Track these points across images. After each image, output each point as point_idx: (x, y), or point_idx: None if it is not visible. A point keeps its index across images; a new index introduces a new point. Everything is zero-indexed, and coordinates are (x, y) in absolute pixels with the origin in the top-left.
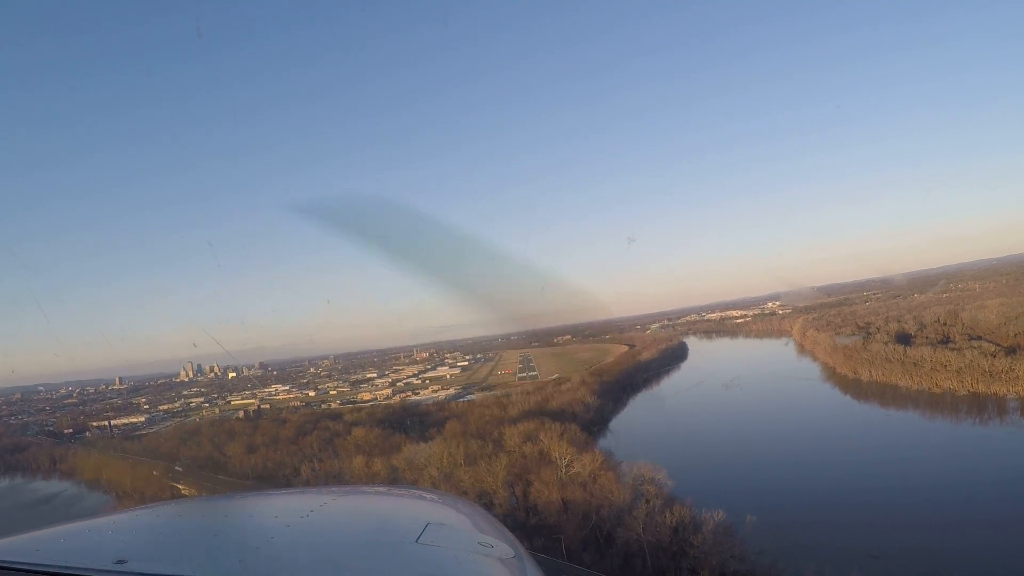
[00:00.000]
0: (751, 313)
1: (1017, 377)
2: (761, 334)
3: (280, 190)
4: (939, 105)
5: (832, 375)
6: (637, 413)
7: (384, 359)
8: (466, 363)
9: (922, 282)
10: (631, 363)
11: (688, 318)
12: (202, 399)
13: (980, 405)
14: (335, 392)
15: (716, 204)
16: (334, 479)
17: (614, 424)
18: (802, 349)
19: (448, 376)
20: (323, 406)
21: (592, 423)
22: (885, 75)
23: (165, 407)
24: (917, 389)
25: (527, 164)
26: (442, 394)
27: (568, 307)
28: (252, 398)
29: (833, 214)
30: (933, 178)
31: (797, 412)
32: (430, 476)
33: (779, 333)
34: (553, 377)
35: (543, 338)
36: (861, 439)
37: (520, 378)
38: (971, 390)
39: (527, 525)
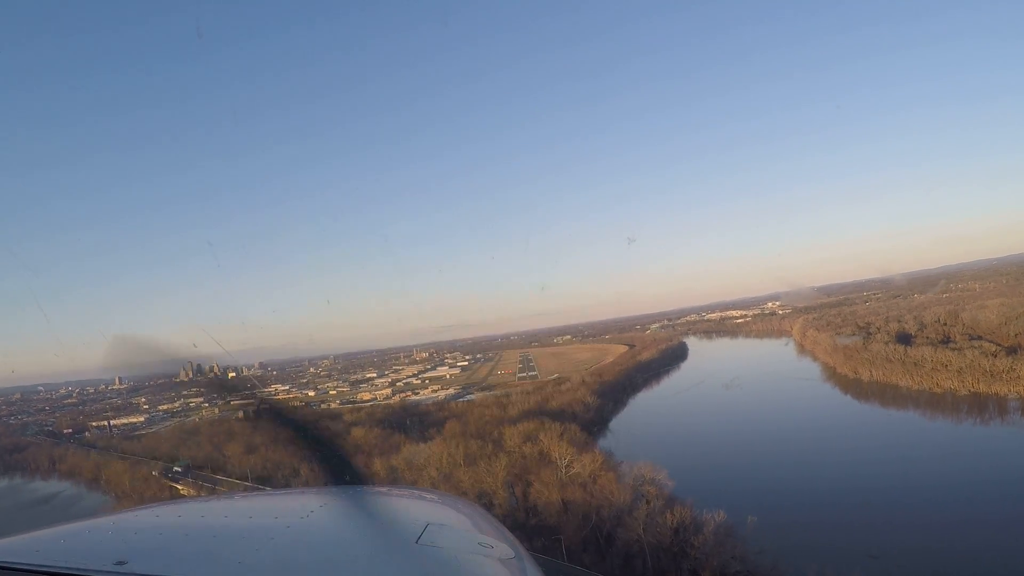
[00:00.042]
0: (751, 313)
1: (1018, 377)
2: (761, 334)
3: (280, 190)
4: (939, 105)
5: (832, 375)
6: (637, 413)
7: (384, 359)
8: (466, 363)
9: (922, 282)
10: (631, 363)
11: (688, 318)
12: (202, 399)
13: (981, 405)
14: (335, 392)
15: (716, 204)
16: (331, 480)
17: (614, 424)
18: (802, 349)
19: (448, 376)
20: (323, 406)
21: (592, 423)
22: (885, 75)
23: (165, 407)
24: (918, 389)
25: (527, 164)
26: (442, 394)
27: (568, 307)
28: (252, 398)
29: (833, 214)
30: (933, 178)
31: (797, 412)
32: (429, 476)
33: (779, 333)
34: (553, 377)
35: (543, 338)
36: (861, 439)
37: (520, 378)
38: (972, 390)
39: (527, 526)
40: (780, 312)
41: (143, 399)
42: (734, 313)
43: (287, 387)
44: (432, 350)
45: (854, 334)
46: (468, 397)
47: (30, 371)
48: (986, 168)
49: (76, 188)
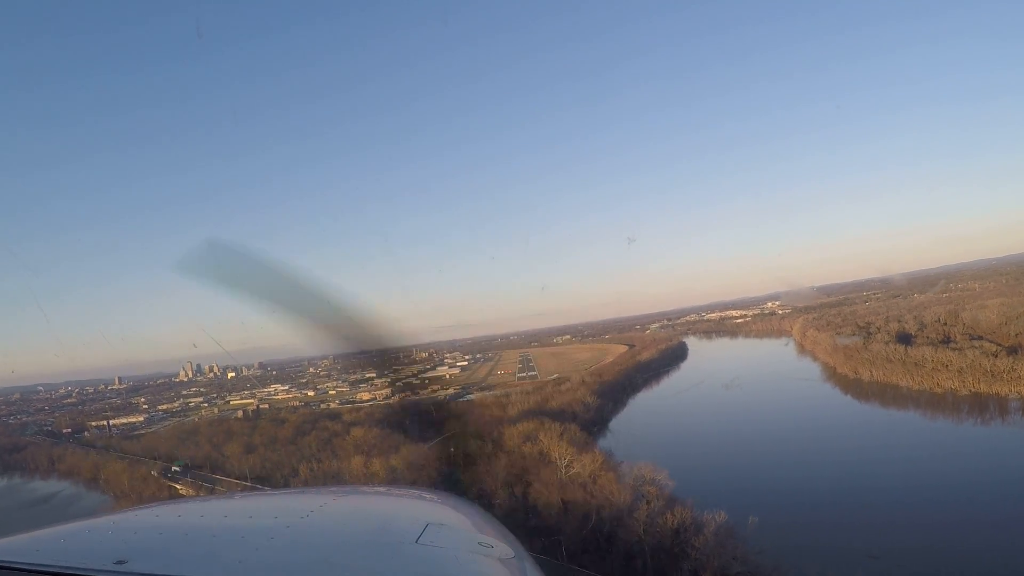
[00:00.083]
0: (751, 313)
1: (1019, 377)
2: (761, 334)
3: (280, 190)
4: (939, 105)
5: (833, 375)
6: (637, 413)
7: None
8: (465, 363)
9: (922, 282)
10: (631, 363)
11: (688, 318)
12: (201, 399)
13: (982, 405)
14: (334, 392)
15: (716, 204)
16: (332, 479)
17: (614, 424)
18: (802, 349)
19: (447, 376)
20: (322, 406)
21: (592, 423)
22: (885, 75)
23: (164, 407)
24: (918, 389)
25: (527, 164)
26: (442, 394)
27: (568, 307)
28: (251, 398)
29: (833, 214)
30: (933, 178)
31: (798, 412)
32: (429, 477)
33: (779, 333)
34: (553, 377)
35: (543, 338)
36: (862, 439)
37: (519, 378)
38: (973, 390)
39: (526, 526)
40: (780, 312)
41: (142, 399)
42: (734, 313)
43: (287, 387)
44: (432, 350)
45: (854, 334)
46: (468, 397)
47: (30, 371)
48: (986, 168)
49: (76, 188)
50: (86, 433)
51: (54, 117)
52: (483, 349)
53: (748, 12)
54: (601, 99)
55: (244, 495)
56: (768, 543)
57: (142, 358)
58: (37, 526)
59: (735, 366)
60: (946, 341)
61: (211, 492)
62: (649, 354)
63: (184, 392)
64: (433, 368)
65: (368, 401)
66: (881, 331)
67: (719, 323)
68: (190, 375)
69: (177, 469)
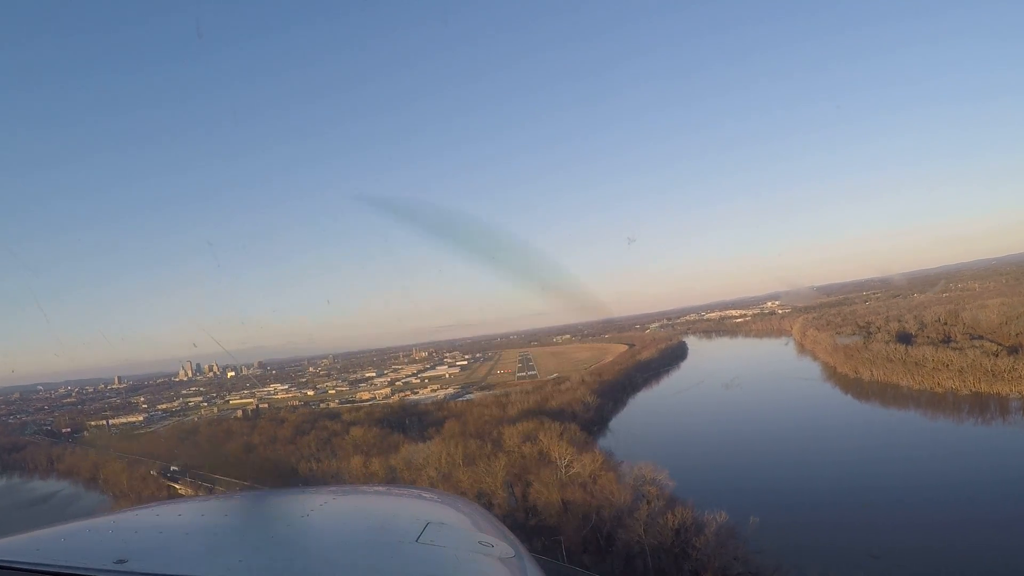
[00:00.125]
0: (750, 313)
1: (1020, 377)
2: (761, 334)
3: (280, 190)
4: (939, 105)
5: (833, 375)
6: (637, 413)
7: (383, 358)
8: (465, 362)
9: (922, 282)
10: (631, 362)
11: (687, 318)
12: (201, 398)
13: (983, 405)
14: (334, 391)
15: (716, 204)
16: (331, 479)
17: (614, 424)
18: (802, 349)
19: (447, 375)
20: (321, 405)
21: (592, 423)
22: (885, 75)
23: (164, 406)
24: (919, 389)
25: (527, 164)
26: (441, 393)
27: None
28: (251, 397)
29: (833, 214)
30: (933, 178)
31: (798, 412)
32: (428, 476)
33: (779, 333)
34: (552, 376)
35: (542, 337)
36: (862, 439)
37: (519, 377)
38: (973, 390)
39: (526, 526)
40: (780, 312)
41: (142, 398)
42: (734, 313)
43: (286, 386)
44: (431, 349)
45: (854, 333)
46: (467, 396)
47: (30, 370)
48: (986, 168)
49: (76, 188)
50: (85, 433)
51: (54, 117)
52: (483, 348)
53: (748, 12)
54: (601, 99)
55: (244, 495)
56: (769, 543)
57: (142, 358)
58: (36, 526)
59: (735, 365)
60: (946, 341)
61: (210, 492)
62: (649, 353)
63: (184, 392)
64: (433, 367)
65: (368, 400)
66: (881, 331)
67: (719, 323)
68: (190, 375)
69: (176, 469)
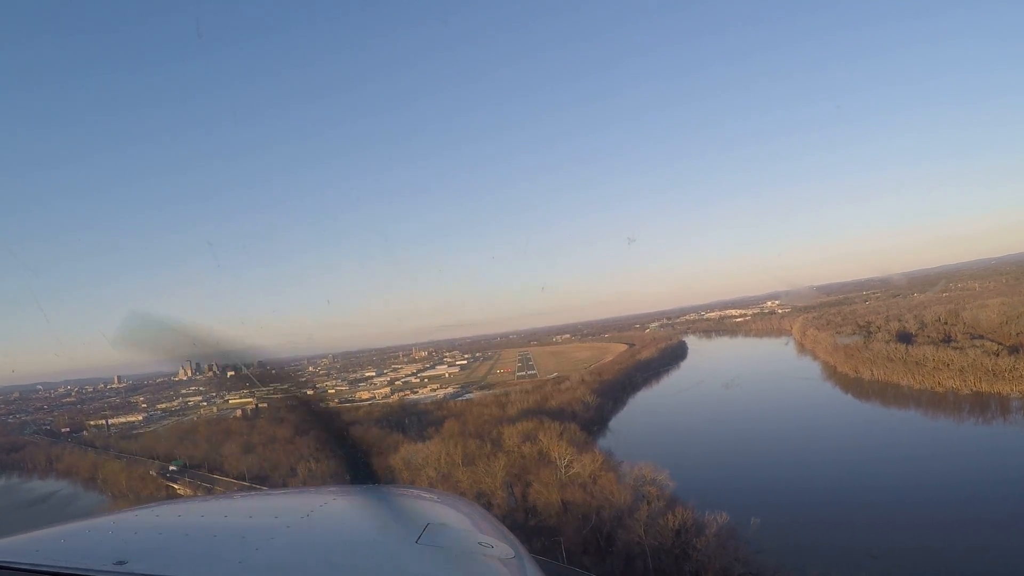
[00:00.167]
0: (750, 312)
1: (1021, 376)
2: (760, 333)
3: (280, 190)
4: (939, 105)
5: (833, 374)
6: (637, 412)
7: (383, 358)
8: (465, 362)
9: (922, 281)
10: (630, 362)
11: (687, 317)
12: (200, 398)
13: (983, 404)
14: (333, 391)
15: (716, 204)
16: (331, 479)
17: (614, 423)
18: (802, 348)
19: (447, 375)
20: (321, 405)
21: (592, 422)
22: (885, 75)
23: (163, 406)
24: (919, 388)
25: (527, 164)
26: (440, 393)
27: (567, 306)
28: (250, 397)
29: (833, 214)
30: (933, 178)
31: (798, 411)
32: (427, 477)
33: (779, 332)
34: (552, 376)
35: (542, 337)
36: (863, 438)
37: (519, 377)
38: (974, 389)
39: (526, 526)
40: (779, 311)
41: (141, 398)
42: (733, 312)
43: (285, 386)
44: (431, 349)
45: (855, 333)
46: (467, 396)
47: (29, 370)
48: (986, 168)
49: (76, 188)
50: (85, 432)
51: (54, 117)
52: (482, 348)
53: (748, 12)
54: (601, 99)
55: (244, 495)
56: (769, 542)
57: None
58: (35, 526)
59: (735, 365)
60: (947, 340)
61: (209, 492)
62: (649, 353)
63: (183, 391)
64: (432, 367)
65: (367, 400)
66: (881, 330)
67: (719, 322)
68: (189, 374)
69: (174, 468)
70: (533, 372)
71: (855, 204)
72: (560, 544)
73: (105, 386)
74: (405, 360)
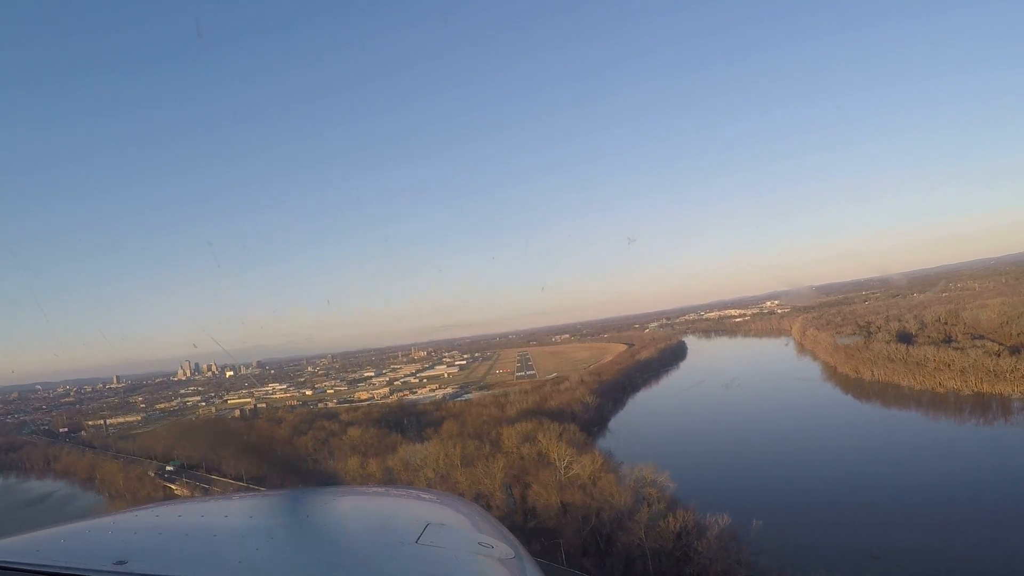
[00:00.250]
0: (750, 312)
1: (1022, 377)
2: (760, 333)
3: (280, 190)
4: (939, 105)
5: (833, 374)
6: (637, 413)
7: (382, 358)
8: (464, 362)
9: (922, 281)
10: (630, 362)
11: (687, 317)
12: (199, 398)
13: (984, 405)
14: (332, 391)
15: (716, 204)
16: (330, 479)
17: (613, 424)
18: (802, 348)
19: (446, 375)
20: (320, 405)
21: (591, 423)
22: (885, 75)
23: (161, 406)
24: (920, 388)
25: (527, 164)
26: (439, 393)
27: (567, 306)
28: (249, 397)
29: (833, 214)
30: (933, 178)
31: (798, 412)
32: (426, 478)
33: (778, 332)
34: (551, 376)
35: (541, 337)
36: (863, 439)
37: (518, 377)
38: (975, 390)
39: (525, 528)
40: (779, 311)
41: (140, 398)
42: (733, 312)
43: (284, 386)
44: (430, 349)
45: (855, 333)
46: (466, 396)
47: (29, 370)
48: (986, 168)
49: (76, 188)
50: (83, 432)
51: (54, 117)
52: (482, 348)
53: (748, 12)
54: (601, 99)
55: (244, 495)
56: (769, 543)
57: (141, 357)
58: (33, 526)
59: (735, 365)
60: (947, 340)
61: (206, 492)
62: (648, 353)
63: (182, 391)
64: (432, 367)
65: (366, 400)
66: (882, 330)
67: (718, 322)
68: (188, 374)
69: (171, 469)
70: (532, 372)
71: (855, 204)
72: (559, 546)
73: (104, 386)
74: (404, 360)
